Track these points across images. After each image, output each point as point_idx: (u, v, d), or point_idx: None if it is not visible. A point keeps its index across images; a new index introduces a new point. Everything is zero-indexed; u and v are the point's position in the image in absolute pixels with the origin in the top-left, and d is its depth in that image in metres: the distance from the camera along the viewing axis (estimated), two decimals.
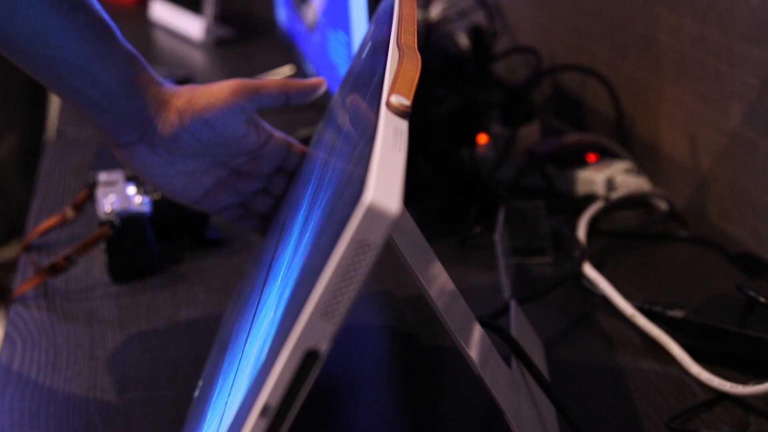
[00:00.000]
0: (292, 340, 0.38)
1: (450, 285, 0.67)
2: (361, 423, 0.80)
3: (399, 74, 0.52)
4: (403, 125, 0.47)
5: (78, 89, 0.75)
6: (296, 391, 0.39)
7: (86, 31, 0.73)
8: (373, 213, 0.36)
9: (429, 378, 0.86)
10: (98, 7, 0.75)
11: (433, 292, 0.60)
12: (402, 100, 0.48)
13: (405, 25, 0.64)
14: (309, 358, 0.38)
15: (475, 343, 0.65)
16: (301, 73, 1.67)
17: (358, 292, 0.37)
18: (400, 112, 0.48)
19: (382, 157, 0.40)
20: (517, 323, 0.82)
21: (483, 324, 0.70)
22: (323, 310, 0.37)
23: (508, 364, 0.73)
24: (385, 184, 0.37)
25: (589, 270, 1.00)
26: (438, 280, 0.65)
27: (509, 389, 0.68)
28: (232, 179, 0.85)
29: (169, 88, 0.80)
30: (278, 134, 0.87)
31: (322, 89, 0.86)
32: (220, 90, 0.80)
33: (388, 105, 0.48)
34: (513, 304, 0.85)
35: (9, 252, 2.54)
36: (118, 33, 0.76)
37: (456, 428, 0.78)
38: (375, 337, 0.94)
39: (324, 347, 0.38)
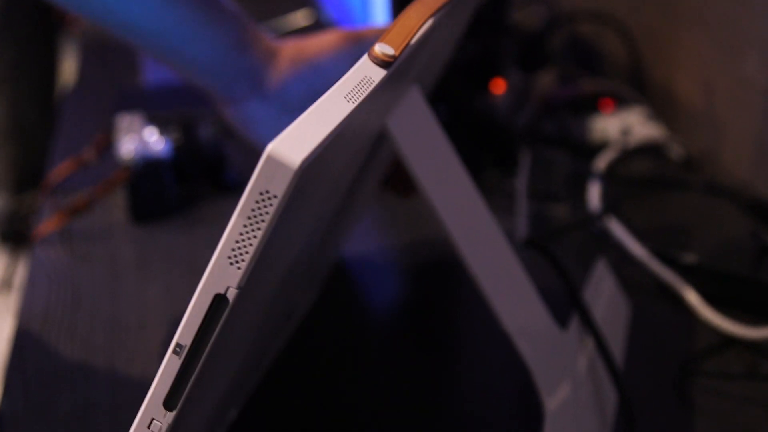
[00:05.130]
0: (201, 284, 0.39)
1: (476, 205, 0.67)
2: (380, 375, 0.81)
3: (397, 23, 0.52)
4: (378, 74, 0.47)
5: (193, 57, 0.75)
6: (207, 333, 0.40)
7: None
8: (273, 164, 0.36)
9: (450, 332, 0.86)
10: None
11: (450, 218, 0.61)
12: (386, 50, 0.48)
13: None
14: (217, 302, 0.39)
15: (506, 289, 0.65)
16: (316, 19, 1.67)
17: (262, 240, 0.37)
18: (380, 62, 0.47)
19: (320, 107, 0.41)
20: (597, 285, 0.81)
21: (535, 248, 0.69)
22: (229, 256, 0.38)
23: (565, 320, 0.72)
24: (300, 135, 0.38)
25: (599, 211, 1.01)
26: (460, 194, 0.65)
27: (551, 353, 0.67)
28: None
29: (276, 40, 0.81)
30: None
31: None
32: (329, 38, 0.81)
33: (370, 53, 0.48)
34: (600, 263, 0.84)
35: (26, 201, 2.56)
36: None
37: (484, 390, 0.79)
38: (392, 288, 0.95)
39: (231, 292, 0.39)
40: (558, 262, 0.71)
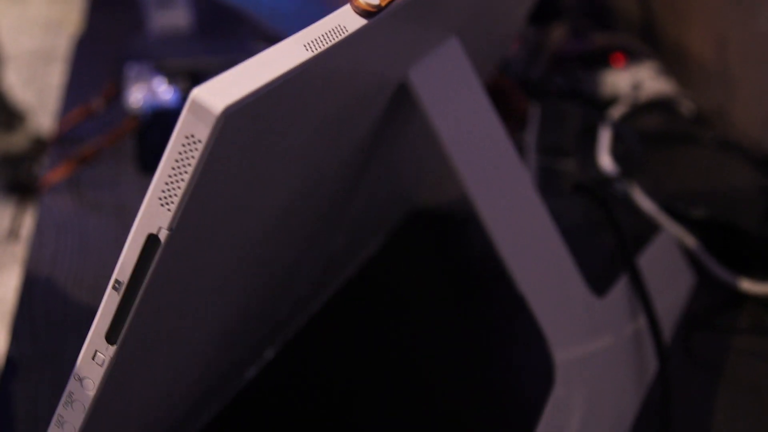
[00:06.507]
0: (136, 223, 0.40)
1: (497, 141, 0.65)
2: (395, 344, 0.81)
3: None
4: (355, 24, 0.45)
5: (272, 7, 0.75)
6: (142, 271, 0.41)
7: None
8: (197, 109, 0.36)
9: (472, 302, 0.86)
10: None
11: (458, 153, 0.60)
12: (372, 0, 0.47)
13: None
14: (150, 241, 0.40)
15: (522, 240, 0.64)
16: None
17: (191, 183, 0.38)
18: (361, 11, 0.46)
19: (271, 53, 0.40)
20: (656, 253, 0.80)
21: (585, 193, 0.68)
22: (160, 198, 0.38)
23: (602, 287, 0.72)
24: (234, 81, 0.37)
25: (609, 167, 1.00)
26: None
27: (573, 318, 0.66)
28: None
29: None
30: None
31: None
32: None
33: (353, 2, 0.46)
34: (664, 233, 0.83)
35: (17, 141, 2.57)
36: None
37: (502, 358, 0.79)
38: (455, 240, 0.94)
39: (163, 233, 0.39)
40: (610, 210, 0.70)
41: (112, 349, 0.43)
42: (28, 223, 2.38)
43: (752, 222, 0.88)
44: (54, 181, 0.99)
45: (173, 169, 0.37)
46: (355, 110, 0.54)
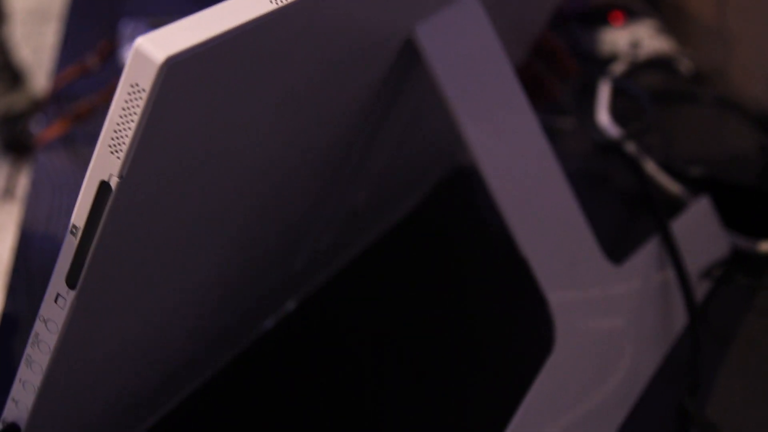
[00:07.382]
0: (89, 170, 0.40)
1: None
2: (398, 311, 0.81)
3: None
4: None
5: None
6: (96, 216, 0.41)
7: None
8: (140, 58, 0.36)
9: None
10: None
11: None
12: None
13: None
14: (102, 188, 0.40)
15: (527, 197, 0.64)
16: None
17: (138, 131, 0.38)
18: None
19: (230, 5, 0.39)
20: (690, 217, 0.79)
21: (615, 153, 0.67)
22: (110, 145, 0.38)
23: (620, 252, 0.71)
24: (183, 31, 0.37)
25: (609, 127, 1.00)
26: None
27: (580, 278, 0.66)
28: None
29: None
30: None
31: None
32: None
33: None
34: (704, 200, 0.82)
35: (18, 100, 2.56)
36: None
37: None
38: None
39: (114, 180, 0.39)
40: (642, 172, 0.69)
41: (72, 293, 0.44)
42: (23, 181, 2.38)
43: (751, 180, 0.88)
44: (49, 138, 0.99)
45: (120, 117, 0.37)
46: (350, 66, 0.53)
